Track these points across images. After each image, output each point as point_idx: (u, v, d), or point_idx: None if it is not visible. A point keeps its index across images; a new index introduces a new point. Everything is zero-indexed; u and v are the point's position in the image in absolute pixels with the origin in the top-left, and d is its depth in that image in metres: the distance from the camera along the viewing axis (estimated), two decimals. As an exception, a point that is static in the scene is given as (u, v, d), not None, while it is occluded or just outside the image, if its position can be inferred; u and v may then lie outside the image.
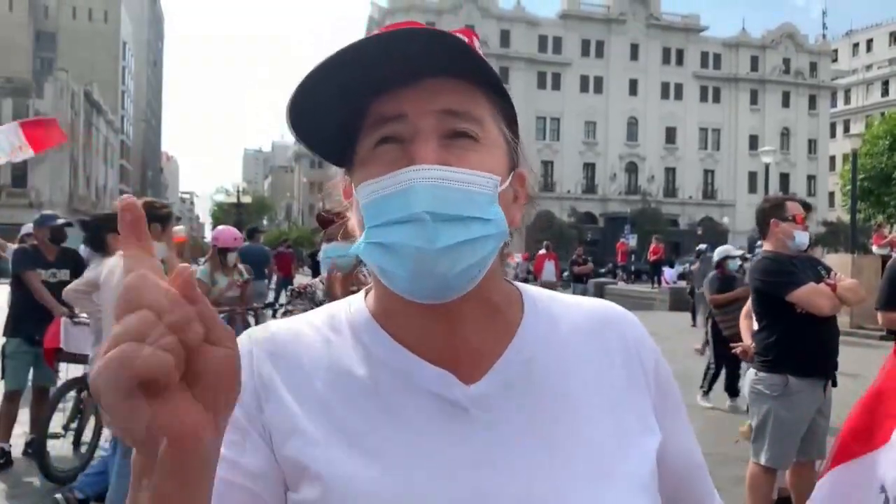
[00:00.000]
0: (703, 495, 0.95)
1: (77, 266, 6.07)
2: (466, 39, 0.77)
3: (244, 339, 0.85)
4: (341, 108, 0.80)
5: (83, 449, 5.53)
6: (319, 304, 3.40)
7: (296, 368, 0.82)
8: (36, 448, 5.03)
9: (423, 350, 0.82)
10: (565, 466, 0.79)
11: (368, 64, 0.75)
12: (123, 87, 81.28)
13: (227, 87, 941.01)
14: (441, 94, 0.78)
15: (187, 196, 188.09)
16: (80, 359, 5.39)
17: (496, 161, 0.80)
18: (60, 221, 6.09)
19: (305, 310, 4.07)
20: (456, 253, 0.73)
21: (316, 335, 0.86)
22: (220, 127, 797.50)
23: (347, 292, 3.52)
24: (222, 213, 58.89)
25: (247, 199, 38.16)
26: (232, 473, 0.76)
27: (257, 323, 6.11)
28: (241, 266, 6.98)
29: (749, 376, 4.06)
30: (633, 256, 33.86)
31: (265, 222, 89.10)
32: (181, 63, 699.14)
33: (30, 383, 5.77)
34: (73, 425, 5.45)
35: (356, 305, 0.89)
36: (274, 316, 6.51)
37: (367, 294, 0.90)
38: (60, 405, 5.34)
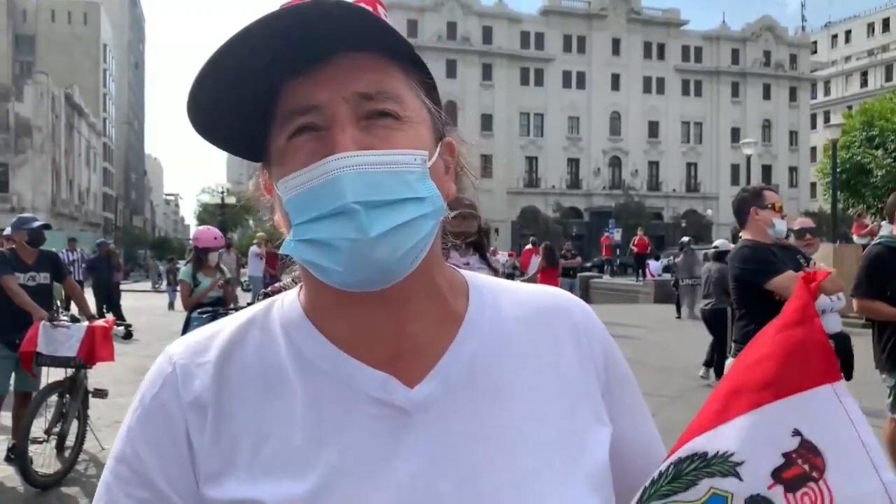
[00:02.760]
0: None
1: (57, 269, 6.04)
2: (371, 9, 0.72)
3: (163, 358, 0.80)
4: (246, 98, 0.74)
5: (67, 454, 5.48)
6: None
7: (228, 382, 0.77)
8: (18, 453, 4.98)
9: (361, 349, 0.77)
10: (512, 465, 0.75)
11: (270, 46, 0.70)
12: (105, 89, 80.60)
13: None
14: (353, 75, 0.73)
15: (172, 198, 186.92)
16: (60, 361, 5.34)
17: (421, 135, 0.76)
18: (38, 224, 6.00)
19: None
20: (393, 238, 0.69)
21: (248, 341, 0.80)
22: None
23: None
24: (207, 215, 58.51)
25: (231, 200, 37.86)
26: None
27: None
28: (222, 266, 6.97)
29: (729, 364, 4.08)
30: (617, 250, 33.99)
31: (251, 222, 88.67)
32: (163, 64, 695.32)
33: (12, 388, 5.70)
34: (56, 429, 5.40)
35: (289, 302, 0.83)
36: None
37: (301, 289, 0.84)
38: (41, 409, 5.30)
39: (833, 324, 4.65)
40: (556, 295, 0.91)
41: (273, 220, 0.82)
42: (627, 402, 0.88)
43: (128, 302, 16.68)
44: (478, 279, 0.89)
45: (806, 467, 0.65)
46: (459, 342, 0.80)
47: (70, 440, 5.50)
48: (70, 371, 5.43)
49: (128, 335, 6.88)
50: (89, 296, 16.35)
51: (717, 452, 0.69)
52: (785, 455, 0.66)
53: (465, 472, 0.74)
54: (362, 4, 0.73)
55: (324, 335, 0.78)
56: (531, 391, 0.80)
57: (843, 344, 4.58)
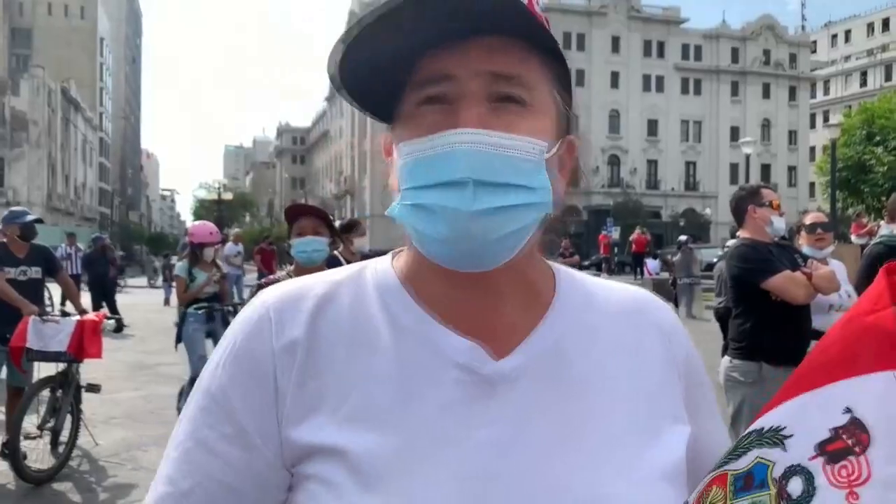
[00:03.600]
0: None
1: (49, 263, 5.99)
2: (536, 6, 0.74)
3: (257, 304, 0.82)
4: (389, 64, 0.76)
5: (61, 449, 5.45)
6: None
7: (321, 331, 0.79)
8: (10, 449, 4.95)
9: (452, 320, 0.79)
10: (586, 449, 0.77)
11: (421, 19, 0.72)
12: (101, 83, 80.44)
13: (206, 83, 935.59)
14: (492, 55, 0.74)
15: (168, 193, 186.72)
16: (50, 357, 5.31)
17: (544, 126, 0.77)
18: (30, 218, 5.96)
19: None
20: (493, 218, 0.71)
21: (341, 294, 0.82)
22: (201, 123, 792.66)
23: None
24: (203, 210, 58.46)
25: (228, 196, 37.89)
26: (220, 472, 0.76)
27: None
28: (218, 261, 6.93)
29: (724, 363, 4.07)
30: (615, 249, 33.97)
31: (247, 218, 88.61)
32: (160, 59, 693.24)
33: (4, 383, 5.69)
34: (50, 425, 5.37)
35: (383, 267, 0.86)
36: (234, 316, 6.41)
37: (394, 257, 0.87)
38: (34, 405, 5.27)
39: None
40: (643, 295, 0.93)
41: (387, 184, 0.84)
42: (705, 407, 0.90)
43: (123, 298, 16.62)
44: (566, 271, 0.90)
45: (850, 441, 0.66)
46: (546, 325, 0.82)
47: (64, 436, 5.48)
48: (62, 366, 5.40)
49: (118, 328, 6.85)
50: (85, 291, 16.40)
51: (771, 426, 0.71)
52: (832, 430, 0.67)
53: (540, 449, 0.75)
54: None
55: (416, 302, 0.81)
56: (612, 382, 0.82)
57: None
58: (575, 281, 0.89)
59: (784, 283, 3.76)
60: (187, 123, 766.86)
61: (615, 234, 34.98)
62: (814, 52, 77.68)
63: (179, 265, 6.74)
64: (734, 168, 63.55)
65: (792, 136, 69.77)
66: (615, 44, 64.58)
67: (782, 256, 3.95)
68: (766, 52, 69.32)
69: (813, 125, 71.56)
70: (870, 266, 4.50)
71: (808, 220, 4.81)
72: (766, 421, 0.72)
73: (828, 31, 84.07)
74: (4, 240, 5.85)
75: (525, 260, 0.79)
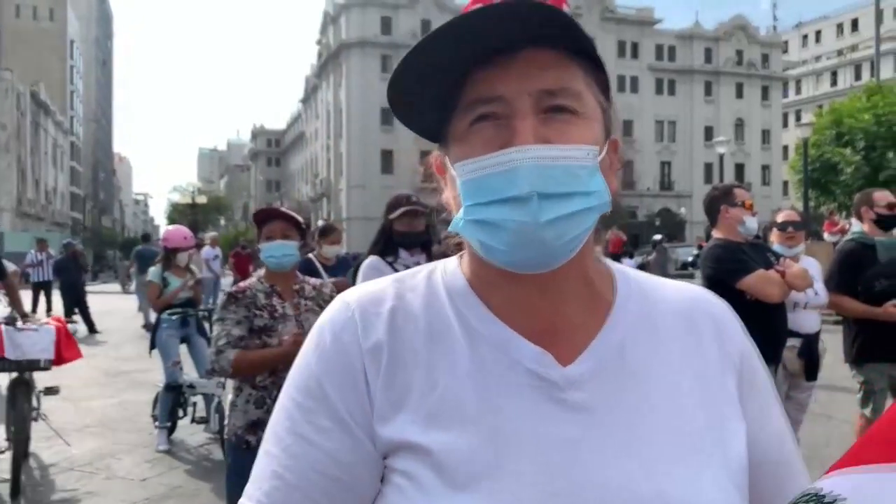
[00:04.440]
0: (785, 493, 0.86)
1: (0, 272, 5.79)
2: (558, 7, 0.76)
3: (341, 304, 0.86)
4: (437, 83, 0.79)
5: (31, 459, 5.35)
6: (261, 308, 3.22)
7: (401, 333, 0.82)
8: None
9: (519, 325, 0.82)
10: (657, 449, 0.79)
11: (464, 39, 0.75)
12: (72, 86, 79.37)
13: (179, 85, 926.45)
14: (537, 70, 0.77)
15: (141, 198, 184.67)
16: (23, 365, 5.19)
17: (594, 132, 0.80)
18: None
19: (238, 320, 3.81)
20: (560, 226, 0.74)
21: (416, 298, 0.86)
22: (174, 126, 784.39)
23: (293, 293, 3.40)
24: (177, 214, 57.89)
25: (202, 200, 37.53)
26: (323, 464, 0.79)
27: (210, 324, 6.04)
28: (192, 266, 6.85)
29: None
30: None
31: (222, 222, 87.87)
32: (132, 61, 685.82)
33: None
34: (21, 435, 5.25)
35: (452, 271, 0.89)
36: (209, 322, 6.29)
37: (461, 259, 0.89)
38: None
39: (807, 323, 4.66)
40: (700, 292, 0.95)
41: (440, 199, 0.88)
42: (760, 404, 0.90)
43: (96, 304, 16.39)
44: (624, 270, 0.93)
45: None
46: (610, 327, 0.85)
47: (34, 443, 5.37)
48: (13, 374, 5.26)
49: (91, 332, 6.72)
50: (56, 297, 16.15)
51: (832, 492, 0.68)
52: None
53: (610, 450, 0.77)
54: (550, 3, 0.75)
55: (484, 306, 0.84)
56: (675, 380, 0.84)
57: (808, 346, 4.57)
58: (632, 280, 0.92)
59: (758, 282, 3.78)
60: (160, 126, 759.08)
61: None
62: (785, 52, 78.70)
63: (153, 270, 6.64)
64: (708, 167, 64.21)
65: (765, 136, 70.64)
66: (589, 45, 64.92)
67: (756, 256, 3.98)
68: (739, 53, 70.12)
69: (786, 124, 72.48)
70: (842, 262, 4.56)
71: (779, 218, 4.83)
72: (828, 484, 0.68)
73: (799, 32, 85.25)
74: None
75: (585, 259, 0.83)
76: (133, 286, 17.10)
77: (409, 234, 3.81)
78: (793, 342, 4.56)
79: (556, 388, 0.79)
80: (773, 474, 0.88)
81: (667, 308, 0.90)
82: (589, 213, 0.77)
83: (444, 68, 0.78)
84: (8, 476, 5.07)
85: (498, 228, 0.75)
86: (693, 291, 0.95)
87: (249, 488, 0.82)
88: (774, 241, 4.72)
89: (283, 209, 3.55)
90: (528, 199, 0.73)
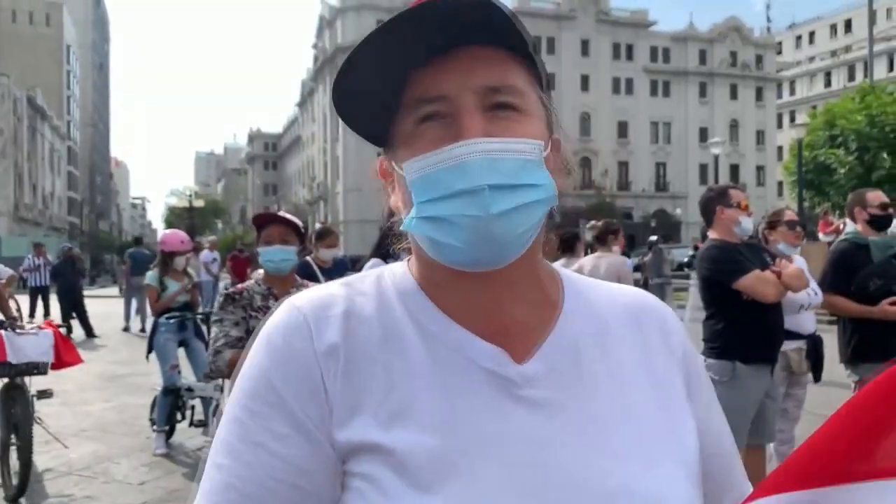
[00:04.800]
0: (733, 485, 0.93)
1: None
2: (498, 5, 0.76)
3: (289, 308, 0.84)
4: (379, 85, 0.79)
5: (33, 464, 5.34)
6: (257, 310, 3.23)
7: (355, 336, 0.81)
8: None
9: (471, 325, 0.82)
10: (616, 444, 0.80)
11: (404, 38, 0.76)
12: (68, 91, 79.27)
13: (176, 89, 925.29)
14: (480, 67, 0.78)
15: (139, 202, 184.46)
16: (20, 369, 5.17)
17: (538, 128, 0.81)
18: None
19: (237, 321, 3.86)
20: (512, 218, 0.75)
21: (367, 301, 0.84)
22: (171, 130, 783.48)
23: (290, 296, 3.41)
24: (174, 218, 57.82)
25: (199, 203, 37.48)
26: (282, 472, 0.76)
27: (208, 327, 6.06)
28: (189, 270, 6.87)
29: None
30: (589, 250, 34.13)
31: (219, 226, 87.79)
32: (128, 65, 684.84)
33: None
34: (17, 442, 5.23)
35: (400, 273, 0.88)
36: (207, 325, 6.31)
37: (408, 262, 0.89)
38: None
39: (808, 323, 4.71)
40: (643, 295, 0.97)
41: (388, 203, 0.87)
42: (702, 398, 0.92)
43: (94, 308, 16.38)
44: (568, 273, 0.94)
45: None
46: (561, 327, 0.85)
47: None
48: (5, 380, 5.25)
49: (89, 335, 6.71)
50: (54, 301, 16.13)
51: None
52: None
53: (567, 446, 0.78)
54: (498, 3, 0.75)
55: (435, 307, 0.83)
56: (629, 379, 0.85)
57: (815, 347, 4.67)
58: (578, 282, 0.93)
59: (754, 282, 3.81)
60: (157, 130, 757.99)
61: (588, 235, 35.14)
62: (779, 53, 78.96)
63: (150, 274, 6.66)
64: (703, 168, 64.34)
65: (759, 136, 70.81)
66: (585, 47, 65.08)
67: (752, 256, 4.00)
68: (733, 54, 70.30)
69: (780, 125, 72.69)
70: (836, 262, 4.59)
71: (787, 217, 4.84)
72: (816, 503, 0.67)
73: (792, 33, 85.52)
74: None
75: (533, 257, 0.83)
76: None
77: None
78: (797, 344, 4.61)
79: (513, 385, 0.79)
80: (725, 466, 0.92)
81: (614, 309, 0.91)
82: (538, 206, 0.77)
83: (386, 69, 0.78)
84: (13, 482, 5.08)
85: (450, 224, 0.75)
86: (636, 294, 0.97)
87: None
88: (780, 239, 4.71)
89: (283, 214, 3.56)
90: (479, 191, 0.73)
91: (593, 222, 6.50)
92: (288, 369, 0.79)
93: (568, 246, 6.50)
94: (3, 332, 5.12)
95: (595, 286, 0.95)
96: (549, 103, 0.87)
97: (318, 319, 0.81)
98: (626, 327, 0.90)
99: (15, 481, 5.10)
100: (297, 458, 0.76)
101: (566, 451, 0.78)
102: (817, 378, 4.66)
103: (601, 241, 6.13)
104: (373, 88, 0.79)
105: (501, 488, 0.74)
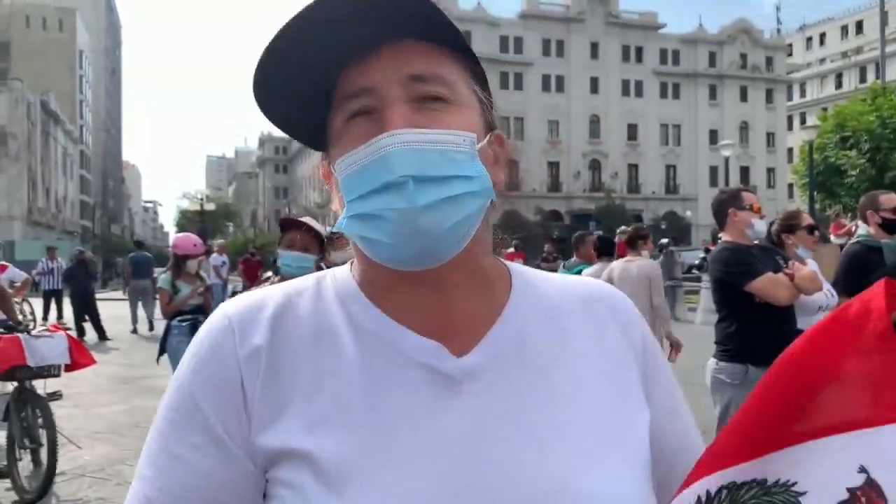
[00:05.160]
0: None
1: None
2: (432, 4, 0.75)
3: (219, 314, 0.83)
4: (306, 85, 0.78)
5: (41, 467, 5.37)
6: None
7: (284, 337, 0.79)
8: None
9: (411, 321, 0.80)
10: (559, 439, 0.77)
11: (327, 33, 0.74)
12: (81, 96, 79.81)
13: (187, 93, 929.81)
14: (406, 60, 0.77)
15: (150, 205, 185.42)
16: (34, 372, 5.20)
17: (470, 120, 0.79)
18: None
19: None
20: (440, 210, 0.72)
21: (302, 303, 0.83)
22: (182, 134, 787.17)
23: None
24: (186, 221, 58.09)
25: (210, 207, 37.63)
26: (197, 484, 0.75)
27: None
28: (201, 273, 6.90)
29: (710, 365, 4.10)
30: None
31: (231, 229, 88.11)
32: (140, 70, 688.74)
33: None
34: (31, 445, 5.24)
35: (341, 275, 0.87)
36: None
37: (352, 265, 0.88)
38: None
39: None
40: (597, 284, 0.95)
41: (333, 208, 0.85)
42: (663, 391, 0.90)
43: (106, 311, 16.47)
44: (519, 267, 0.92)
45: None
46: (506, 318, 0.83)
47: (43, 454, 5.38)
48: (13, 384, 5.27)
49: (102, 338, 6.73)
50: (67, 305, 16.24)
51: (778, 480, 0.67)
52: (850, 490, 0.64)
53: (510, 442, 0.76)
54: None
55: (375, 306, 0.82)
56: (575, 370, 0.83)
57: None
58: (529, 275, 0.91)
59: (767, 285, 3.80)
60: (169, 134, 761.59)
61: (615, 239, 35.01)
62: (789, 54, 78.60)
63: (163, 277, 6.69)
64: (713, 170, 64.11)
65: (770, 139, 70.51)
66: (594, 50, 65.01)
67: (764, 258, 3.99)
68: (743, 56, 70.06)
69: (790, 127, 72.35)
70: (849, 264, 4.57)
71: (805, 221, 4.78)
72: (765, 471, 0.68)
73: (803, 34, 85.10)
74: None
75: (476, 255, 0.81)
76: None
77: None
78: None
79: (451, 380, 0.77)
80: (693, 463, 0.84)
81: (566, 300, 0.89)
82: (470, 198, 0.75)
83: (310, 66, 0.76)
84: (9, 485, 5.10)
85: (378, 220, 0.73)
86: (591, 284, 0.95)
87: None
88: (798, 243, 4.65)
89: (310, 222, 3.54)
90: (404, 183, 0.71)
91: (623, 227, 6.66)
92: (207, 377, 0.78)
93: (606, 250, 6.63)
94: (20, 335, 5.15)
95: (548, 279, 0.93)
96: (487, 98, 0.84)
97: (244, 323, 0.80)
98: (578, 318, 0.88)
99: (29, 484, 5.14)
100: (213, 470, 0.75)
101: (504, 447, 0.75)
102: None
103: (631, 245, 6.17)
104: (302, 91, 0.78)
105: (429, 490, 0.72)
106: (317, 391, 0.76)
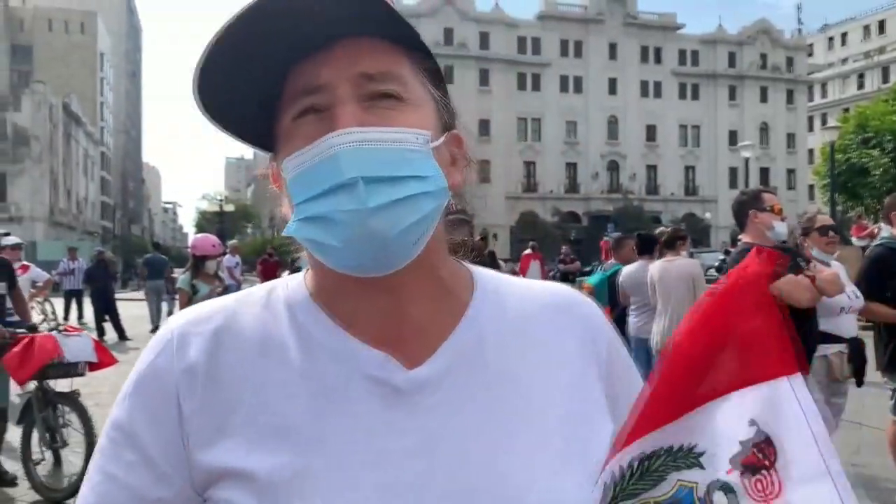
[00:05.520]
0: None
1: (11, 278, 5.85)
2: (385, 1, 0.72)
3: (164, 328, 0.81)
4: (252, 83, 0.75)
5: (66, 467, 5.41)
6: None
7: (226, 351, 0.77)
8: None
9: (364, 331, 0.77)
10: (514, 453, 0.75)
11: (275, 29, 0.71)
12: (102, 98, 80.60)
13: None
14: (358, 57, 0.74)
15: (170, 206, 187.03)
16: (66, 370, 5.21)
17: (424, 118, 0.76)
18: (10, 241, 5.88)
19: None
20: (392, 212, 0.69)
21: (251, 314, 0.80)
22: (201, 136, 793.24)
23: None
24: (205, 222, 58.50)
25: (230, 208, 37.88)
26: (127, 499, 0.74)
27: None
28: (220, 273, 6.95)
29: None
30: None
31: (249, 230, 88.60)
32: (160, 73, 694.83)
33: None
34: (56, 445, 5.27)
35: (294, 284, 0.84)
36: None
37: (306, 273, 0.85)
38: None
39: (849, 326, 4.58)
40: (563, 291, 0.92)
41: (281, 213, 0.81)
42: (630, 402, 0.85)
43: (126, 311, 16.63)
44: (484, 272, 0.89)
45: (760, 456, 0.67)
46: (464, 326, 0.80)
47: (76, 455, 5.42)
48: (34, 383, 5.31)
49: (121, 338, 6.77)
50: (87, 304, 16.39)
51: (682, 445, 0.70)
52: (741, 443, 0.67)
53: (459, 456, 0.73)
54: None
55: (327, 316, 0.79)
56: (533, 381, 0.80)
57: (858, 350, 4.48)
58: (493, 281, 0.88)
59: (788, 286, 3.75)
60: (188, 136, 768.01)
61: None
62: (811, 55, 77.84)
63: (182, 278, 6.75)
64: (733, 172, 63.59)
65: (790, 140, 69.84)
66: (612, 50, 64.75)
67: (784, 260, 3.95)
68: (763, 56, 69.47)
69: (811, 128, 71.64)
70: (872, 267, 4.51)
71: (819, 222, 4.68)
72: (672, 438, 0.71)
73: (824, 34, 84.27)
74: None
75: (434, 259, 0.78)
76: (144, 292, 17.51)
77: (458, 246, 3.89)
78: (838, 347, 4.49)
79: (401, 393, 0.74)
80: None
81: (529, 306, 0.86)
82: (424, 199, 0.71)
83: (257, 63, 0.73)
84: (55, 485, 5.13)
85: (328, 222, 0.70)
86: (557, 290, 0.91)
87: None
88: (813, 245, 4.58)
89: None
90: (354, 184, 0.68)
91: (662, 227, 6.72)
92: (144, 393, 0.76)
93: (646, 248, 6.64)
94: (55, 333, 5.21)
95: (513, 284, 0.90)
96: (443, 96, 0.81)
97: (184, 337, 0.78)
98: (542, 326, 0.85)
99: (53, 483, 5.18)
100: (143, 489, 0.73)
101: (456, 462, 0.73)
102: (860, 383, 4.53)
103: (670, 245, 6.17)
104: (248, 89, 0.75)
105: None
106: (259, 407, 0.73)
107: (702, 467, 0.69)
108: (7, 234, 6.05)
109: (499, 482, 0.73)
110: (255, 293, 0.84)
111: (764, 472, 0.66)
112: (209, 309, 0.81)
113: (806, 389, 0.67)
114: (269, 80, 0.75)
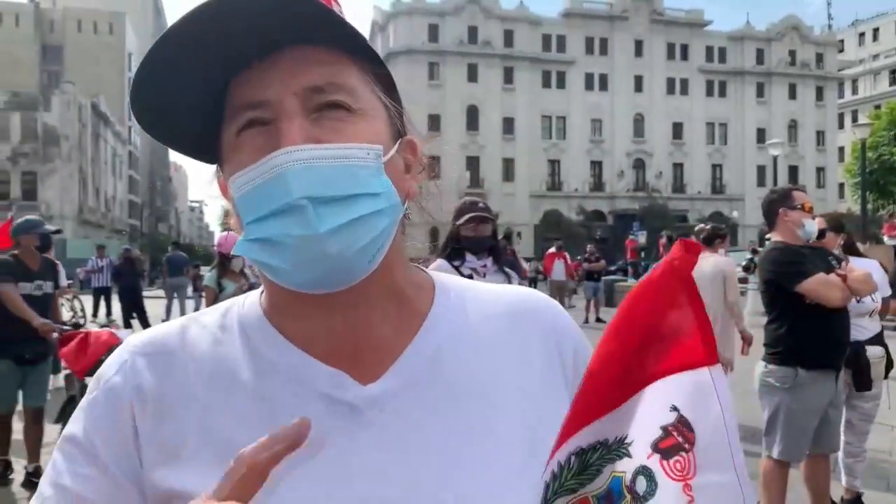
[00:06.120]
0: None
1: (57, 277, 5.72)
2: (324, 3, 0.69)
3: (121, 348, 0.80)
4: (192, 94, 0.72)
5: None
6: None
7: (179, 374, 0.76)
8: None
9: (320, 348, 0.75)
10: (468, 468, 0.72)
11: (216, 38, 0.67)
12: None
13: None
14: (303, 67, 0.71)
15: (196, 205, 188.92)
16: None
17: (375, 130, 0.73)
18: (49, 228, 5.72)
19: None
20: (345, 235, 0.67)
21: (204, 336, 0.79)
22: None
23: None
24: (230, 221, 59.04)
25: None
26: None
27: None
28: (246, 271, 7.00)
29: (759, 368, 4.01)
30: (642, 253, 33.70)
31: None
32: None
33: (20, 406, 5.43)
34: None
35: (248, 302, 0.82)
36: None
37: (261, 291, 0.83)
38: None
39: (872, 327, 4.47)
40: (527, 295, 0.89)
41: (231, 223, 0.79)
42: None
43: (154, 308, 16.83)
44: (445, 279, 0.87)
45: (680, 439, 0.69)
46: (421, 339, 0.78)
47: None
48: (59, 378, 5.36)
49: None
50: (115, 302, 16.63)
51: (616, 438, 0.71)
52: (663, 428, 0.69)
53: (414, 472, 0.72)
54: None
55: (281, 334, 0.77)
56: (494, 391, 0.78)
57: (857, 354, 4.32)
58: (453, 289, 0.85)
59: (818, 286, 3.70)
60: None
61: (642, 238, 34.73)
62: (841, 51, 76.62)
63: (208, 276, 6.82)
64: (761, 170, 62.87)
65: (820, 137, 68.85)
66: (638, 48, 64.28)
67: (816, 259, 3.89)
68: (792, 53, 68.54)
69: (841, 125, 70.57)
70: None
71: (828, 223, 4.65)
72: (606, 432, 0.71)
73: (855, 30, 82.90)
74: (16, 251, 5.44)
75: (390, 271, 0.76)
76: (189, 291, 17.71)
77: (476, 239, 3.92)
78: (876, 350, 4.40)
79: (354, 410, 0.72)
80: None
81: (489, 315, 0.83)
82: (377, 218, 0.69)
83: (197, 74, 0.70)
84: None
85: (278, 246, 0.67)
86: (522, 294, 0.89)
87: None
88: (826, 246, 4.51)
89: None
90: (303, 207, 0.65)
91: (701, 225, 6.76)
92: (100, 412, 0.76)
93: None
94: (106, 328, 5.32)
95: (476, 289, 0.87)
96: (394, 103, 0.78)
97: (138, 361, 0.77)
98: (501, 334, 0.82)
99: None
100: (100, 502, 0.72)
101: (409, 479, 0.71)
102: (859, 388, 4.37)
103: (708, 242, 6.16)
104: (192, 99, 0.72)
105: None
106: (209, 431, 0.72)
107: (630, 456, 0.70)
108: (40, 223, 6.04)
109: (450, 500, 0.71)
110: (210, 313, 0.82)
111: (683, 453, 0.68)
112: (164, 331, 0.80)
113: (724, 380, 0.69)
114: (209, 90, 0.72)
